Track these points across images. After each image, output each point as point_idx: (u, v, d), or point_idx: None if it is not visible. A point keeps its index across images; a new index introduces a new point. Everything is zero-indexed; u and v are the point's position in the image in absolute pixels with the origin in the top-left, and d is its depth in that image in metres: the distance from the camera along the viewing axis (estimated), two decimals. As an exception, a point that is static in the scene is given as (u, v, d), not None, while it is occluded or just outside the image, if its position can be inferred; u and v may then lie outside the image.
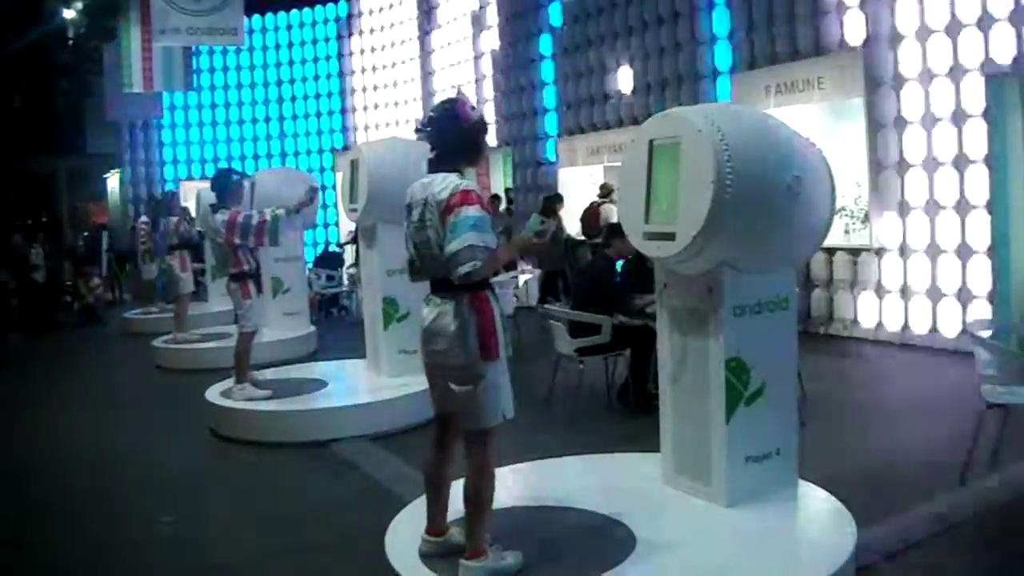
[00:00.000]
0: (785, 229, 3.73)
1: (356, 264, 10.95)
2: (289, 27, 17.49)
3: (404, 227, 3.40)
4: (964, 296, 7.42)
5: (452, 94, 3.47)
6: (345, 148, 16.76)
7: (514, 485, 4.14)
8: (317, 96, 17.39)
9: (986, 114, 7.12)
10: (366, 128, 16.93)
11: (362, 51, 17.20)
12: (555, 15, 12.53)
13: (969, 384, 4.67)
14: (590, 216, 11.13)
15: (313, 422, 6.03)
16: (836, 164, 4.13)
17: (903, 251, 7.92)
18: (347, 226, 14.10)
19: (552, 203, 11.28)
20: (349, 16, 17.23)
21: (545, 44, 12.76)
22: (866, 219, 8.17)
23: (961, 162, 7.35)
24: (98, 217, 22.53)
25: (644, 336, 5.79)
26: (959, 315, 7.45)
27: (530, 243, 3.66)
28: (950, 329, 7.53)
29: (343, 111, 17.41)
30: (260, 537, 4.40)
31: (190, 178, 16.99)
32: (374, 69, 16.93)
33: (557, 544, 3.55)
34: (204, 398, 6.57)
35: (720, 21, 9.84)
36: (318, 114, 17.45)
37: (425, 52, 15.69)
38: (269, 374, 7.22)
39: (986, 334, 5.02)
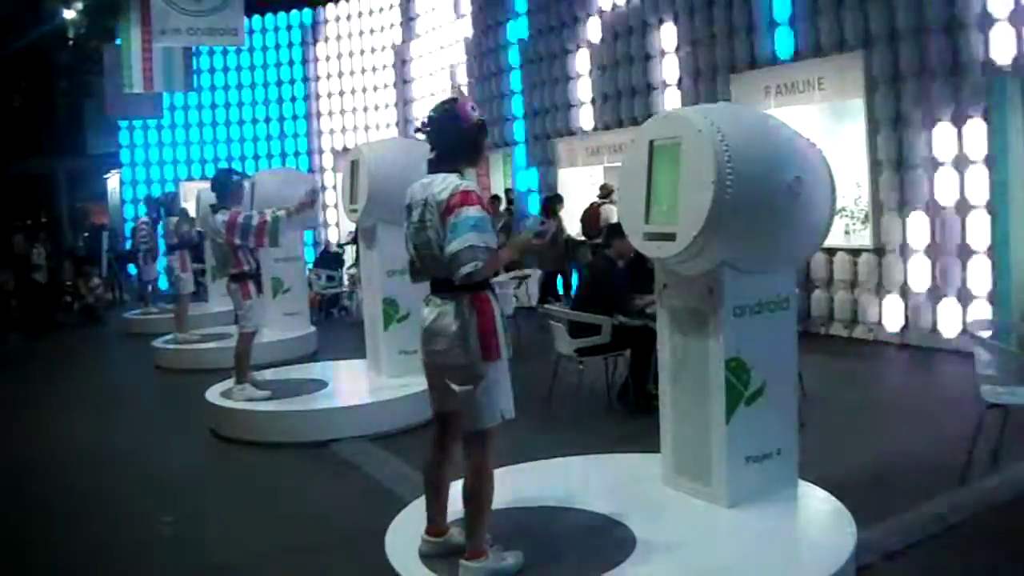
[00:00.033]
0: (785, 229, 3.73)
1: (356, 264, 10.96)
2: (289, 27, 17.47)
3: (404, 228, 3.41)
4: (964, 296, 7.42)
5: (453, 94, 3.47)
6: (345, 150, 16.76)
7: (514, 485, 4.13)
8: (318, 97, 17.38)
9: (986, 114, 7.13)
10: (366, 129, 16.93)
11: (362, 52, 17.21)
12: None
13: (969, 384, 4.67)
14: (590, 216, 11.13)
15: (313, 422, 6.03)
16: (836, 164, 4.13)
17: (903, 251, 7.92)
18: (347, 226, 14.10)
19: (552, 203, 11.30)
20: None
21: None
22: (866, 219, 8.17)
23: (961, 162, 7.35)
24: (98, 217, 22.53)
25: (644, 336, 5.79)
26: (959, 315, 7.45)
27: (530, 243, 3.66)
28: (950, 329, 7.53)
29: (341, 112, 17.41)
30: (260, 537, 4.40)
31: (190, 178, 16.97)
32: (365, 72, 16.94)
33: (557, 544, 3.55)
34: (204, 398, 6.58)
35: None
36: (318, 115, 17.44)
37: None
38: (269, 374, 7.23)
39: (986, 334, 5.02)
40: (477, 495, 3.24)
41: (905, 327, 7.94)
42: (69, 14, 18.52)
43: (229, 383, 6.61)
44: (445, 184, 3.22)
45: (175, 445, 6.27)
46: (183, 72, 14.16)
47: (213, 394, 6.61)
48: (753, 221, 3.57)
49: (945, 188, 7.50)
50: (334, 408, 6.28)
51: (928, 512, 4.06)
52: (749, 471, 3.77)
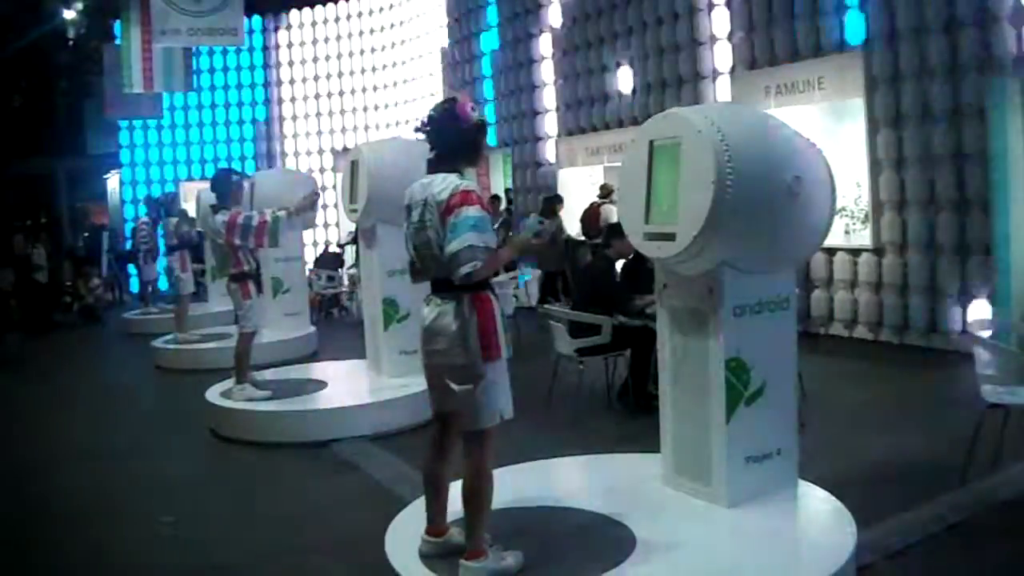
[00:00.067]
0: (785, 229, 3.73)
1: (356, 264, 10.95)
2: (289, 27, 17.45)
3: (404, 228, 3.40)
4: (964, 296, 7.42)
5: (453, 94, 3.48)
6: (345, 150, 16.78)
7: (514, 485, 4.13)
8: (317, 97, 17.37)
9: (986, 113, 7.12)
10: (366, 128, 16.93)
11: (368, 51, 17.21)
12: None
13: (969, 384, 4.67)
14: (590, 216, 11.13)
15: (313, 422, 6.03)
16: (836, 164, 4.13)
17: (903, 250, 7.92)
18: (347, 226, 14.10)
19: (552, 204, 11.29)
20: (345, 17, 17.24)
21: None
22: (866, 219, 8.17)
23: (961, 161, 7.35)
24: (98, 217, 22.52)
25: (644, 336, 5.79)
26: (959, 315, 7.44)
27: (529, 244, 3.66)
28: (950, 329, 7.52)
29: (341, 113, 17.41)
30: (260, 537, 4.40)
31: (190, 178, 16.96)
32: (374, 70, 16.94)
33: (557, 544, 3.55)
34: (204, 398, 6.58)
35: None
36: (318, 115, 17.43)
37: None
38: (269, 374, 7.23)
39: (986, 334, 5.02)
40: (477, 495, 3.24)
41: (905, 327, 7.94)
42: (69, 14, 18.51)
43: (229, 383, 6.61)
44: (445, 184, 3.22)
45: (175, 445, 6.27)
46: (183, 72, 14.16)
47: (213, 394, 6.61)
48: (753, 221, 3.57)
49: (945, 188, 7.50)
50: (334, 408, 6.28)
51: (928, 512, 4.06)
52: (749, 471, 3.77)
